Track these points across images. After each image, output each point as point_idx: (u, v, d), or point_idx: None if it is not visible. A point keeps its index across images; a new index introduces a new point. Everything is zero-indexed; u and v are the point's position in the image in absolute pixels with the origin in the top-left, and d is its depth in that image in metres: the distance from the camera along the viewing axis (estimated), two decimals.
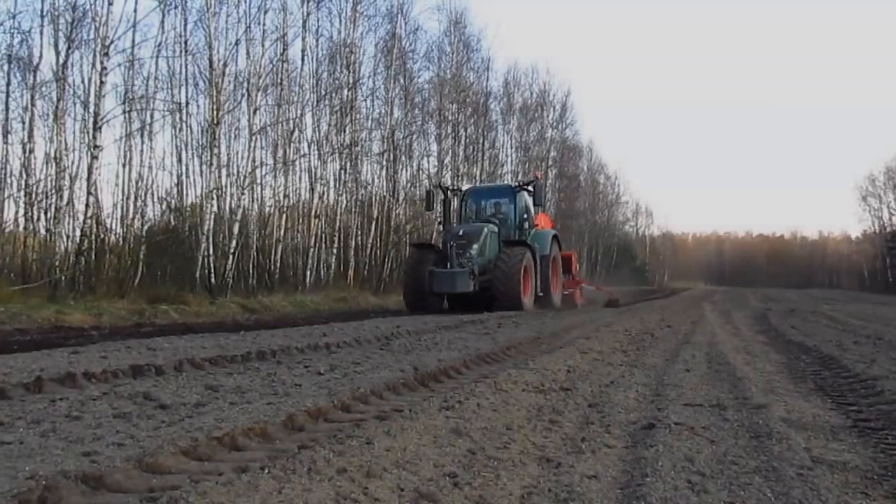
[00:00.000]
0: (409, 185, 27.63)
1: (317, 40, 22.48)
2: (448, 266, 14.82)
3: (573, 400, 4.18)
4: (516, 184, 17.29)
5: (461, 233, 15.37)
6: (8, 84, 15.26)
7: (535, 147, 40.04)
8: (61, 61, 15.32)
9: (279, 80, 19.92)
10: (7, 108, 15.17)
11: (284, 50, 19.98)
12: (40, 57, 15.71)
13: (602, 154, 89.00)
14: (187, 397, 3.90)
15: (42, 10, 15.47)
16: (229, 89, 19.29)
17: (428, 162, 29.48)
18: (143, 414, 3.46)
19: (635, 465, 2.83)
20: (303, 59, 21.44)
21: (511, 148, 38.22)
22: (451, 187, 18.08)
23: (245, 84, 19.28)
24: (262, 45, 19.24)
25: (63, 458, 2.55)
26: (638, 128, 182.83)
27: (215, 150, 17.77)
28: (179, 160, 19.28)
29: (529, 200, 17.05)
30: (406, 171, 27.70)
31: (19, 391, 3.90)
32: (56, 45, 15.41)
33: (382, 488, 2.36)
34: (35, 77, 15.60)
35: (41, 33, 15.53)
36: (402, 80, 26.23)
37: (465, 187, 18.22)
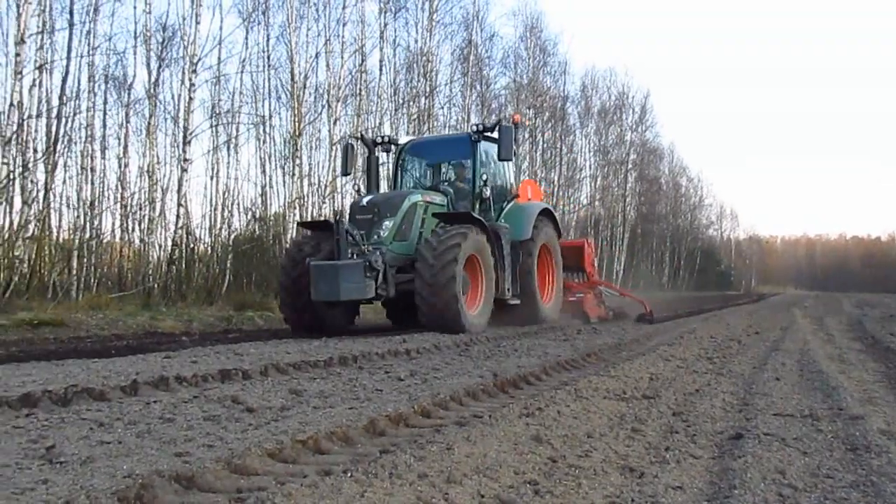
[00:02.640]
0: None
1: (394, 50, 22.81)
2: (336, 256, 9.07)
3: (656, 408, 4.09)
4: (475, 128, 11.11)
5: (365, 203, 9.90)
6: (105, 102, 16.10)
7: (613, 150, 39.46)
8: (153, 79, 16.09)
9: (358, 91, 20.30)
10: (104, 125, 16.01)
11: (363, 61, 20.37)
12: (134, 76, 16.60)
13: (684, 156, 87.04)
14: (273, 401, 4.01)
15: (135, 32, 16.26)
16: (310, 101, 19.81)
17: None
18: (231, 417, 3.58)
19: (723, 477, 2.74)
20: (381, 70, 21.79)
21: (589, 152, 37.82)
22: (379, 139, 11.80)
23: (325, 95, 19.74)
24: (342, 57, 19.67)
25: (157, 458, 2.66)
26: (723, 129, 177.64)
27: (297, 161, 18.27)
28: (263, 171, 19.86)
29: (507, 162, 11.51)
30: None
31: (117, 394, 4.10)
32: (148, 65, 16.19)
33: (463, 494, 2.36)
34: (129, 95, 16.43)
35: (134, 53, 16.33)
36: (478, 87, 26.33)
37: (402, 140, 12.19)
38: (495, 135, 10.82)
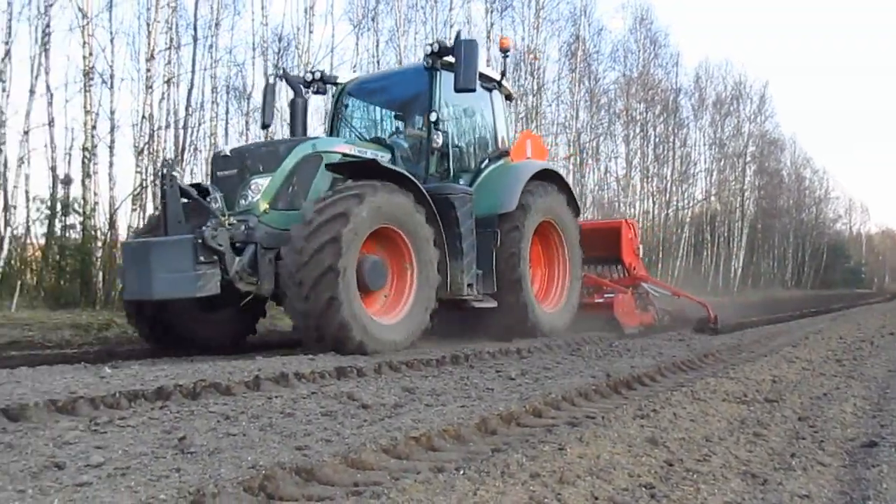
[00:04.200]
0: (596, 188, 27.26)
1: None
2: (163, 231, 6.11)
3: (780, 412, 3.90)
4: (429, 50, 7.71)
5: (229, 153, 6.84)
6: (227, 112, 17.02)
7: (730, 142, 37.83)
8: None
9: None
10: (226, 133, 16.92)
11: None
12: (252, 85, 17.33)
13: (807, 147, 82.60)
14: (386, 398, 4.10)
15: (253, 43, 17.10)
16: None
17: (616, 164, 28.91)
18: (346, 413, 3.69)
19: (854, 487, 2.59)
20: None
21: (704, 145, 36.40)
22: (310, 76, 8.62)
23: None
24: None
25: (279, 451, 2.78)
26: (853, 121, 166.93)
27: None
28: None
29: (495, 102, 8.62)
30: (593, 174, 27.34)
31: (241, 388, 4.31)
32: (265, 73, 16.95)
33: (576, 496, 2.34)
34: (248, 104, 17.25)
35: (253, 64, 17.20)
36: (587, 83, 25.94)
37: (342, 79, 8.89)
38: (450, 57, 7.51)
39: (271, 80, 9.06)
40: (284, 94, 14.28)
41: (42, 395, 3.59)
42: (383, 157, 7.32)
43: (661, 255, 29.29)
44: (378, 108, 8.95)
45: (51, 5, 12.23)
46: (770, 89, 53.44)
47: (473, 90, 7.42)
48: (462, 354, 6.20)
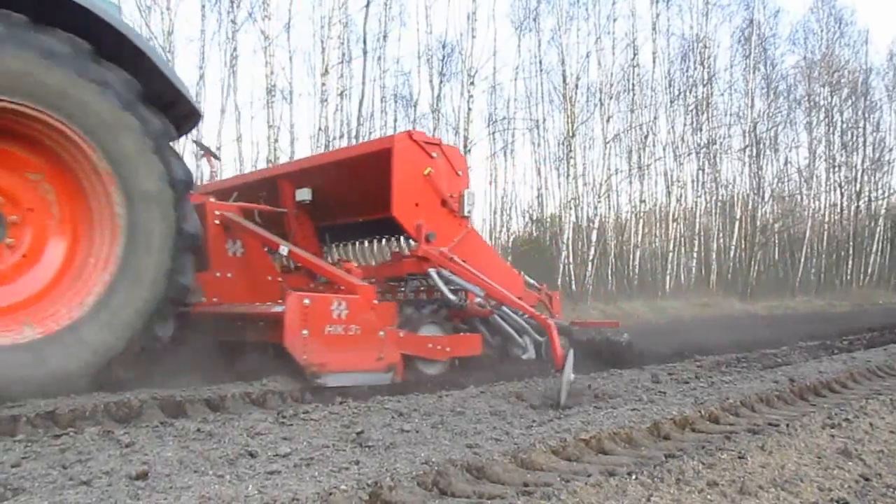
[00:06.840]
0: (775, 180, 25.58)
1: (667, 40, 22.03)
2: None
3: None
4: None
5: None
6: (395, 120, 17.70)
7: None
8: (435, 94, 17.32)
9: (631, 86, 19.96)
10: None
11: (635, 55, 19.95)
12: (419, 93, 17.94)
13: None
14: (555, 399, 4.08)
15: (419, 52, 17.67)
16: (582, 101, 19.86)
17: (797, 154, 26.94)
18: (515, 413, 3.71)
19: None
20: (654, 62, 21.17)
21: None
22: None
23: (597, 94, 19.68)
24: (613, 54, 19.47)
25: (450, 448, 2.85)
26: None
27: (571, 161, 18.41)
28: (538, 174, 20.35)
29: None
30: (772, 165, 25.66)
31: (414, 387, 4.46)
32: (431, 81, 17.47)
33: None
34: (415, 111, 17.86)
35: (418, 73, 17.76)
36: (762, 69, 24.43)
37: None
38: None
39: None
40: None
41: (238, 386, 3.91)
42: None
43: (851, 251, 26.95)
44: None
45: (237, 31, 13.32)
46: None
47: None
48: None
